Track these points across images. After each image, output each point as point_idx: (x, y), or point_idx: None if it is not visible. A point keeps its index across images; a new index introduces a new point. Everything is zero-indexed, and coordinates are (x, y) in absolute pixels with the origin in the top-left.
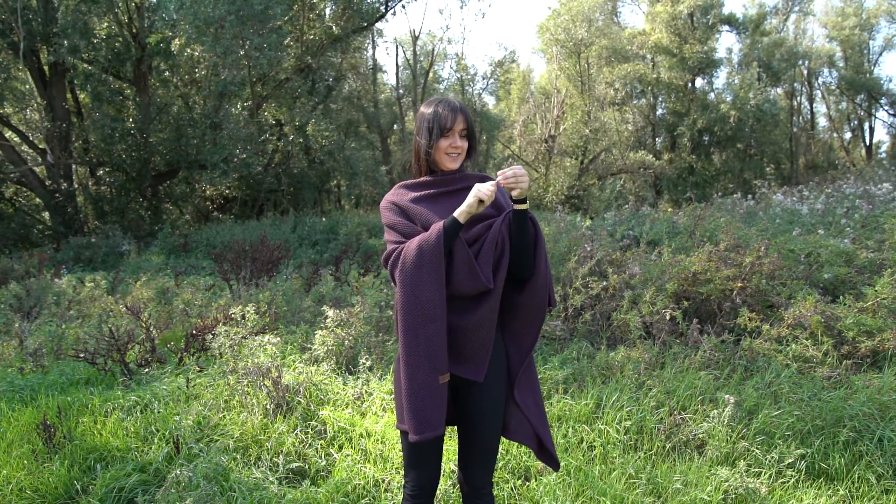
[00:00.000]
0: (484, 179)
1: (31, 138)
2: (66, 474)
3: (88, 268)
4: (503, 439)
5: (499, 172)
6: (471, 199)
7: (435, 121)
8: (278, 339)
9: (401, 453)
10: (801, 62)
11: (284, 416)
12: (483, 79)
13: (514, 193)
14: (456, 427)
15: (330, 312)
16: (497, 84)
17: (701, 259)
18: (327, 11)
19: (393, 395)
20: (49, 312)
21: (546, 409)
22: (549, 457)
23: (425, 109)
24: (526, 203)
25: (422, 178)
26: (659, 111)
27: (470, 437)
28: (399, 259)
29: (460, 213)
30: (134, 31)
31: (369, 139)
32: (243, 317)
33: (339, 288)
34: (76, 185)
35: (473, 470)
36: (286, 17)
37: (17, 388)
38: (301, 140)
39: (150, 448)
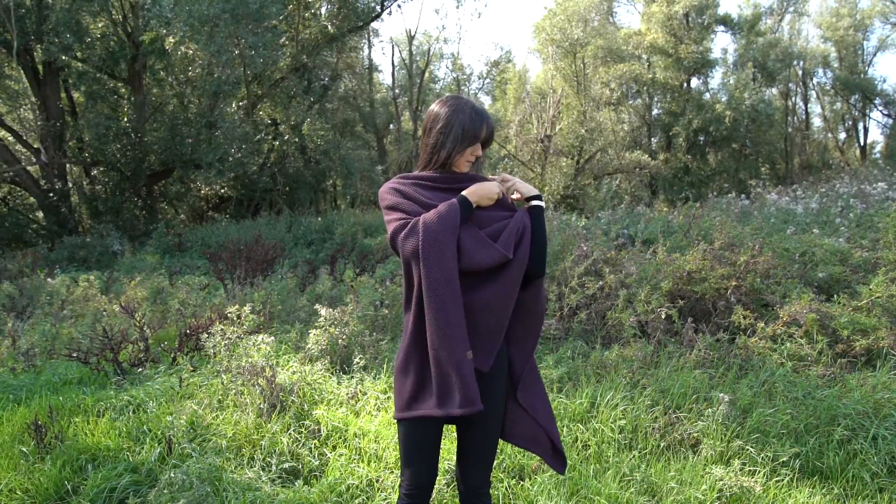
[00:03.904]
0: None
1: (24, 137)
2: (57, 475)
3: (82, 267)
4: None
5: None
6: (494, 187)
7: (471, 130)
8: (272, 338)
9: (395, 453)
10: (795, 62)
11: (278, 416)
12: (479, 78)
13: (515, 196)
14: (454, 426)
15: (323, 311)
16: (493, 84)
17: (696, 258)
18: (323, 11)
19: (391, 391)
20: (42, 312)
21: None
22: (560, 461)
23: (454, 111)
24: (541, 200)
25: (425, 173)
26: (654, 111)
27: (470, 436)
28: (415, 230)
29: (475, 196)
30: (128, 29)
31: (365, 139)
32: (239, 316)
33: (335, 287)
34: (70, 185)
35: (472, 469)
36: (281, 16)
37: (9, 387)
38: (297, 140)
39: (142, 448)
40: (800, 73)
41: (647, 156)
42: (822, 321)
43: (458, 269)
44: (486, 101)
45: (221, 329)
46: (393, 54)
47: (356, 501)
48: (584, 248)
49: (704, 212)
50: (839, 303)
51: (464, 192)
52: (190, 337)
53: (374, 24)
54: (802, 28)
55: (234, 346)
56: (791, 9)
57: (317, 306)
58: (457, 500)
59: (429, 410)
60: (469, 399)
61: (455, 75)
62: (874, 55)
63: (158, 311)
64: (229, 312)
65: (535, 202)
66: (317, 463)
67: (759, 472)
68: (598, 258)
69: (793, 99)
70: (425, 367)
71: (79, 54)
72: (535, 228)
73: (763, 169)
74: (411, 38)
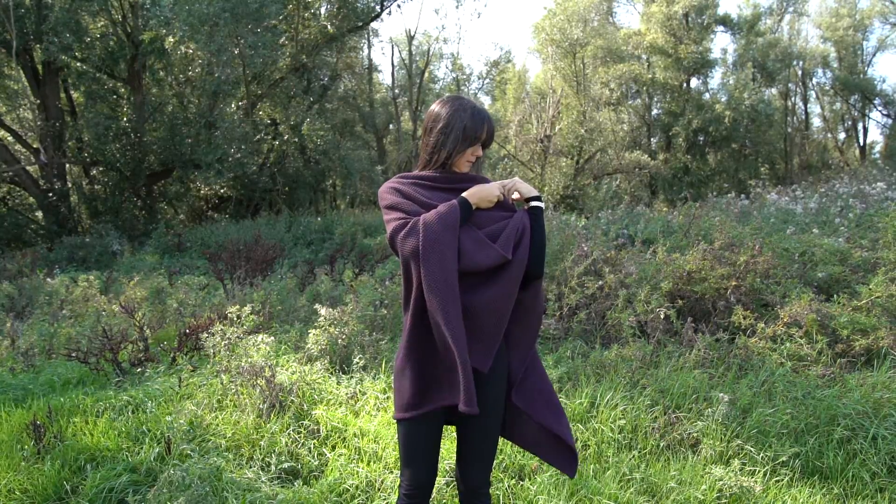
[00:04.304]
0: (486, 182)
1: (24, 137)
2: (56, 475)
3: (82, 267)
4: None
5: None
6: (494, 189)
7: (471, 130)
8: (272, 338)
9: (395, 453)
10: (795, 63)
11: (277, 416)
12: (479, 79)
13: (515, 196)
14: (454, 426)
15: (322, 311)
16: (493, 84)
17: (695, 258)
18: (322, 10)
19: (391, 391)
20: (41, 312)
21: None
22: (569, 462)
23: (455, 112)
24: (541, 201)
25: (425, 173)
26: (654, 111)
27: (470, 437)
28: (415, 230)
29: (475, 198)
30: (128, 29)
31: (365, 139)
32: (238, 316)
33: (335, 287)
34: (70, 185)
35: (471, 469)
36: (281, 16)
37: (8, 387)
38: (296, 140)
39: (142, 448)
40: (799, 73)
41: (646, 156)
42: (821, 321)
43: (458, 269)
44: (485, 101)
45: (221, 329)
46: (392, 54)
47: (356, 501)
48: (584, 248)
49: (704, 212)
50: (839, 303)
51: (464, 194)
52: (189, 337)
53: (373, 24)
54: (802, 28)
55: (234, 347)
56: (791, 9)
57: (316, 306)
58: (457, 500)
59: (432, 406)
60: (468, 399)
61: (455, 75)
62: (874, 55)
63: (158, 311)
64: (229, 312)
65: (534, 203)
66: (316, 463)
67: (759, 471)
68: (597, 258)
69: (792, 99)
70: (424, 366)
71: (78, 54)
72: (534, 229)
73: (763, 169)
74: (411, 38)
